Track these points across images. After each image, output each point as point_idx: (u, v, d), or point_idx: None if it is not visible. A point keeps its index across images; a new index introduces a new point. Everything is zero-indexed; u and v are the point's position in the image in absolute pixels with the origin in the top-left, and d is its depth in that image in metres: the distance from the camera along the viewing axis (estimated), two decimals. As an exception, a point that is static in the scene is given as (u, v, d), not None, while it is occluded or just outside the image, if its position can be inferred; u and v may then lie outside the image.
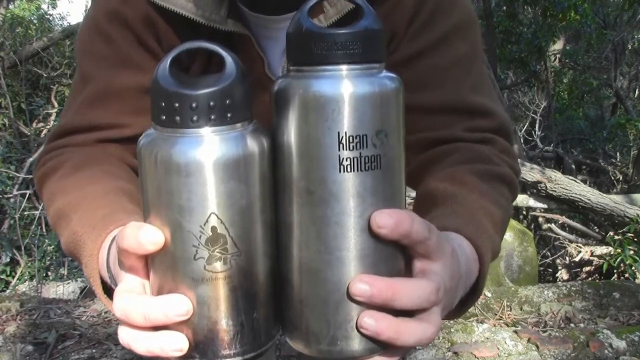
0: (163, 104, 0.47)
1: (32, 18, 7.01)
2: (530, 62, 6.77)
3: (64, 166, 0.73)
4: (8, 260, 4.13)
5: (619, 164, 7.03)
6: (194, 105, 0.46)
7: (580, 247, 4.49)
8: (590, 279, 4.07)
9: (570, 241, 4.66)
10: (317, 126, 0.47)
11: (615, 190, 6.26)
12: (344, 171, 0.47)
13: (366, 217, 0.47)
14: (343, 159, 0.46)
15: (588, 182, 6.12)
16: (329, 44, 0.47)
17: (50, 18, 7.62)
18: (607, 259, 3.80)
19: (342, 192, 0.47)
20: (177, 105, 0.46)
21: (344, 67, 0.47)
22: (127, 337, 0.46)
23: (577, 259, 4.41)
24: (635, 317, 2.58)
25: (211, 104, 0.46)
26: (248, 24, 0.76)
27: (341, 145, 0.46)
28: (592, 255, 4.31)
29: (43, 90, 6.24)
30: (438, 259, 0.48)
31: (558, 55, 7.77)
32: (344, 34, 0.47)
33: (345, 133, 0.46)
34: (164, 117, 0.46)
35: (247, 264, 0.47)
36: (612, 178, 6.73)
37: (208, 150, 0.46)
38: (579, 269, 4.36)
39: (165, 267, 0.47)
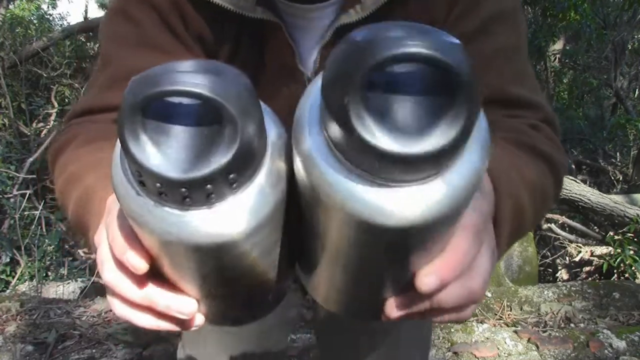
0: (158, 184, 0.37)
1: (32, 18, 7.00)
2: (530, 62, 6.76)
3: (78, 139, 0.71)
4: (8, 260, 4.13)
5: (619, 164, 7.02)
6: (183, 190, 0.37)
7: (580, 247, 4.49)
8: (590, 279, 4.06)
9: (570, 241, 4.65)
10: (369, 249, 0.41)
11: (615, 190, 6.25)
12: (387, 262, 0.44)
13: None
14: (388, 256, 0.43)
15: (588, 182, 6.12)
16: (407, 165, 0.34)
17: (50, 18, 7.61)
18: (607, 259, 3.79)
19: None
20: (162, 189, 0.37)
21: (410, 183, 0.36)
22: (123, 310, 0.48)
23: (577, 259, 4.41)
24: (635, 317, 2.58)
25: (208, 187, 0.37)
26: (279, 12, 0.72)
27: (388, 251, 0.42)
28: (592, 255, 4.31)
29: (43, 90, 6.23)
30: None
31: (558, 55, 7.77)
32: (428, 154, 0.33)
33: (397, 245, 0.41)
34: (164, 196, 0.38)
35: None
36: (612, 178, 6.73)
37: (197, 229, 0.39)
38: (579, 269, 4.35)
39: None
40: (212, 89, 0.34)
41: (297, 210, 0.45)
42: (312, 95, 0.39)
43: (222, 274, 0.45)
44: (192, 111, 0.36)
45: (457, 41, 0.33)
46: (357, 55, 0.32)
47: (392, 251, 0.41)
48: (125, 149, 0.35)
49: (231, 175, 0.37)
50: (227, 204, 0.38)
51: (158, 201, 0.38)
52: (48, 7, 7.80)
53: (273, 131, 0.42)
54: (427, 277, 0.42)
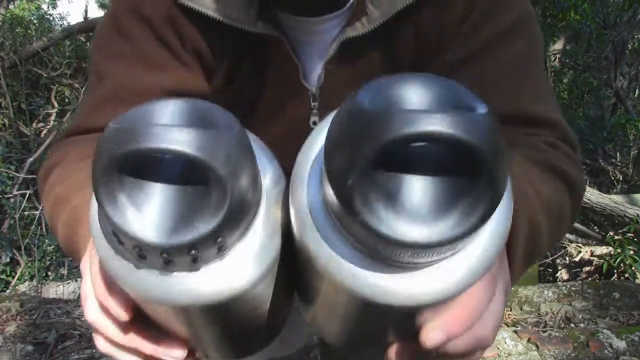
0: (138, 249, 0.34)
1: (32, 18, 7.00)
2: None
3: (67, 158, 0.68)
4: (8, 260, 4.13)
5: (619, 164, 7.02)
6: (165, 256, 0.33)
7: (580, 247, 4.48)
8: (590, 279, 4.06)
9: (570, 241, 4.65)
10: (368, 321, 0.38)
11: (615, 190, 6.25)
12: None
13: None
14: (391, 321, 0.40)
15: (588, 182, 6.12)
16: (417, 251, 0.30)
17: (50, 18, 7.61)
18: (607, 259, 3.79)
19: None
20: (142, 253, 0.33)
21: (418, 267, 0.33)
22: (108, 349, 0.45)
23: (577, 259, 4.40)
24: (635, 317, 2.58)
25: (193, 252, 0.33)
26: (281, 26, 0.68)
27: (392, 321, 0.39)
28: (592, 255, 4.30)
29: (43, 90, 6.23)
30: None
31: (558, 55, 7.77)
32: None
33: (402, 318, 0.37)
34: (143, 259, 0.34)
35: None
36: (612, 178, 6.73)
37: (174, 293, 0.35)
38: (579, 269, 4.35)
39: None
40: (198, 147, 0.29)
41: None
42: (316, 146, 0.35)
43: (213, 326, 0.42)
44: (176, 168, 0.32)
45: (484, 109, 0.28)
46: (365, 129, 0.27)
47: (395, 320, 0.38)
48: (101, 208, 0.31)
49: (219, 239, 0.32)
50: (215, 266, 0.35)
51: (138, 262, 0.34)
52: (48, 7, 7.80)
53: (269, 175, 0.38)
54: (432, 332, 0.39)
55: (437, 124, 0.26)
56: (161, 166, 0.31)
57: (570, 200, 0.62)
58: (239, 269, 0.35)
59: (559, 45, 7.59)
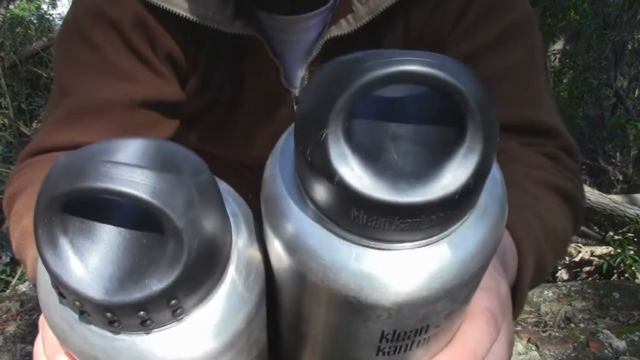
0: (83, 308, 0.29)
1: (32, 18, 7.00)
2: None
3: (33, 184, 0.61)
4: (8, 260, 4.13)
5: (619, 164, 7.02)
6: (109, 315, 0.28)
7: (580, 247, 4.48)
8: (590, 279, 4.06)
9: (570, 241, 4.65)
10: (350, 324, 0.31)
11: (615, 190, 6.25)
12: (382, 355, 0.33)
13: None
14: (384, 347, 0.32)
15: (588, 182, 6.12)
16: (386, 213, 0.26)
17: (50, 18, 7.60)
18: (607, 259, 3.79)
19: None
20: (88, 310, 0.29)
21: (406, 245, 0.28)
22: None
23: (577, 259, 4.40)
24: (635, 317, 2.58)
25: (141, 313, 0.28)
26: (261, 26, 0.64)
27: (384, 340, 0.32)
28: (592, 255, 4.30)
29: (43, 90, 6.23)
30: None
31: (558, 55, 7.77)
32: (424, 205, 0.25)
33: (394, 331, 0.31)
34: (85, 314, 0.29)
35: None
36: (612, 178, 6.73)
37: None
38: (579, 269, 4.35)
39: None
40: (154, 192, 0.25)
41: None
42: (279, 164, 0.30)
43: None
44: (130, 213, 0.28)
45: (465, 65, 0.25)
46: (340, 75, 0.24)
47: (385, 339, 0.32)
48: (40, 254, 0.27)
49: (173, 301, 0.28)
50: (171, 331, 0.30)
51: (81, 318, 0.30)
52: (48, 7, 7.80)
53: (243, 235, 0.33)
54: None
55: (420, 64, 0.23)
56: (114, 210, 0.28)
57: (573, 220, 0.60)
58: (197, 338, 0.30)
59: (559, 45, 7.59)
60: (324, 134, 0.24)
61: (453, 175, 0.25)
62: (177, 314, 0.29)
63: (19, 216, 0.60)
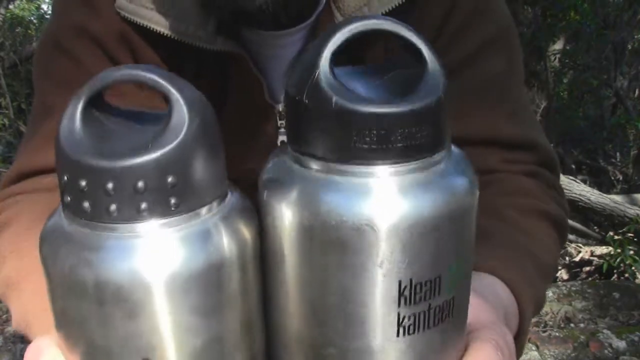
0: (65, 178, 0.29)
1: (32, 18, 7.00)
2: (530, 63, 6.77)
3: (19, 220, 0.59)
4: (8, 260, 4.13)
5: (619, 164, 7.02)
6: (109, 186, 0.28)
7: (580, 247, 4.49)
8: (590, 279, 4.06)
9: (570, 241, 4.65)
10: (355, 273, 0.30)
11: (615, 190, 6.25)
12: (404, 334, 0.31)
13: None
14: (403, 317, 0.30)
15: (588, 182, 6.12)
16: (383, 129, 0.30)
17: (50, 18, 7.62)
18: (607, 259, 3.79)
19: None
20: (84, 184, 0.28)
21: (399, 168, 0.30)
22: None
23: (577, 259, 4.41)
24: (635, 317, 2.58)
25: (139, 185, 0.28)
26: (243, 41, 0.64)
27: (402, 300, 0.30)
28: (592, 255, 4.30)
29: (43, 90, 6.24)
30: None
31: (558, 55, 7.77)
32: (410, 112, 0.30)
33: (411, 281, 0.30)
34: (69, 200, 0.30)
35: None
36: (612, 178, 6.73)
37: (132, 265, 0.28)
38: (579, 269, 4.35)
39: None
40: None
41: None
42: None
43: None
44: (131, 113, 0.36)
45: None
46: (321, 38, 0.32)
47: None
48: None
49: (170, 178, 0.29)
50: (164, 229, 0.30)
51: (74, 216, 0.30)
52: (48, 7, 7.81)
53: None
54: None
55: (385, 24, 0.32)
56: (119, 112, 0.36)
57: (561, 241, 0.63)
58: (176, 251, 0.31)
59: (559, 45, 7.60)
60: (317, 73, 0.30)
61: (426, 95, 0.31)
62: (175, 203, 0.29)
63: (3, 258, 0.57)
